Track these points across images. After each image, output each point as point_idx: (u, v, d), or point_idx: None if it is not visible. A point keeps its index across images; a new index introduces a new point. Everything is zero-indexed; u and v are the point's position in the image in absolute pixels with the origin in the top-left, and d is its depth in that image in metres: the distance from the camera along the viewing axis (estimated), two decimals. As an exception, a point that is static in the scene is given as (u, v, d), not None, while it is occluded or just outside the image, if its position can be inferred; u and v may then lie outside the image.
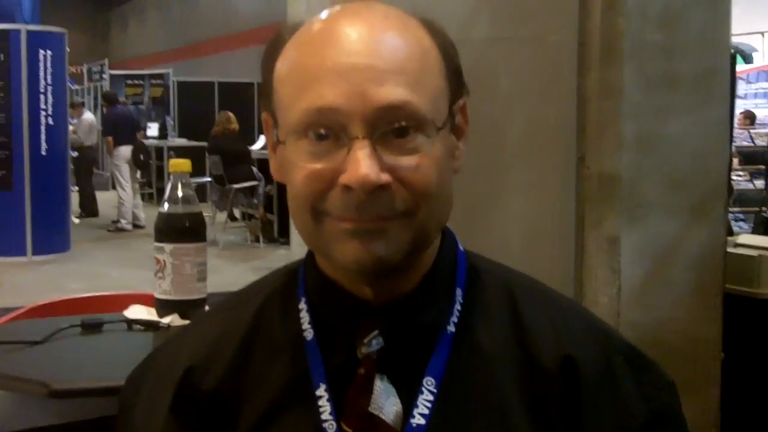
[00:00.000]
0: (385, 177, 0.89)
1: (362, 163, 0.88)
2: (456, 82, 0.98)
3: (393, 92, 0.89)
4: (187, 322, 1.65)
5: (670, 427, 1.00)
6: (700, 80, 2.51)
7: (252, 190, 10.73)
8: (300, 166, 0.92)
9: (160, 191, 14.65)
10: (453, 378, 0.96)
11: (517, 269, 1.09)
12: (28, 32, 9.67)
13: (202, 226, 1.72)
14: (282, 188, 10.15)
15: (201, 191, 10.74)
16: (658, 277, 2.52)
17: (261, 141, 12.57)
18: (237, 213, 11.60)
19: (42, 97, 9.62)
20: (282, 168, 0.97)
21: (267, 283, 1.07)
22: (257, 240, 10.53)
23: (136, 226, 12.09)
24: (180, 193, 1.70)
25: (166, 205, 1.70)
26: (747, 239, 3.37)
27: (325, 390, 0.96)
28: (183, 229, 1.69)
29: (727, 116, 2.68)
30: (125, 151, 12.18)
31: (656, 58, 2.44)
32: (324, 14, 0.96)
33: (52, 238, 9.77)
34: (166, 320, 1.67)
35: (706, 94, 2.52)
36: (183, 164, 1.72)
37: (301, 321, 1.00)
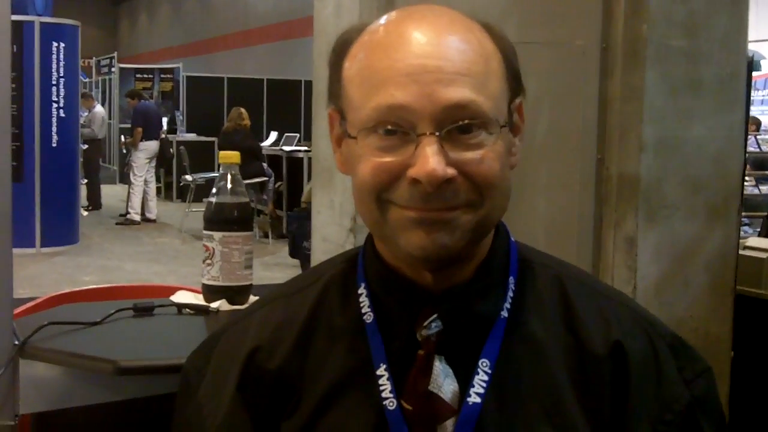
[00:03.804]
0: (451, 171, 0.95)
1: (430, 159, 0.93)
2: (514, 82, 1.03)
3: (459, 92, 0.94)
4: (235, 307, 1.73)
5: (708, 409, 1.06)
6: (722, 85, 2.57)
7: (262, 187, 10.75)
8: (368, 159, 0.97)
9: (168, 186, 14.72)
10: (507, 360, 1.01)
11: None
12: (42, 24, 9.61)
13: (249, 215, 1.79)
14: (292, 185, 10.22)
15: (209, 186, 10.62)
16: (674, 277, 2.58)
17: (272, 137, 12.60)
18: (246, 209, 11.59)
19: (54, 89, 9.60)
20: (348, 161, 1.03)
21: (325, 270, 1.13)
22: (266, 236, 10.52)
23: (146, 219, 12.13)
24: (229, 185, 1.77)
25: (215, 196, 1.76)
26: (755, 242, 3.42)
27: (386, 369, 1.01)
28: (232, 219, 1.75)
29: (744, 121, 2.75)
30: (149, 145, 12.11)
31: (680, 63, 2.51)
32: (389, 17, 1.02)
33: (61, 230, 9.75)
34: (214, 305, 1.74)
35: (726, 99, 2.59)
36: (232, 156, 1.79)
37: (361, 305, 1.05)
